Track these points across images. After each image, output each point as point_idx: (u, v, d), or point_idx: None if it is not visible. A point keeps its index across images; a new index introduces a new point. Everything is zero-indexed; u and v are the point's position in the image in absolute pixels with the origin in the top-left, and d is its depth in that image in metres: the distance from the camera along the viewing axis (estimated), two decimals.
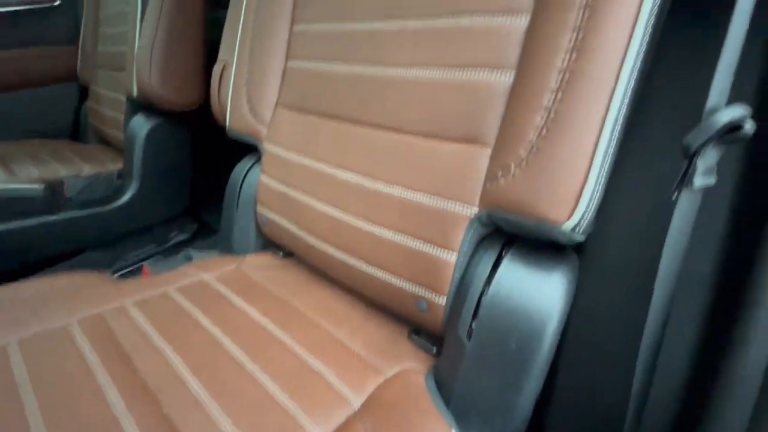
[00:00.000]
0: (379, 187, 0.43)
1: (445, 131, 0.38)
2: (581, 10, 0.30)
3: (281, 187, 0.56)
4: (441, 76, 0.39)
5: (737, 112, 0.26)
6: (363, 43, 0.47)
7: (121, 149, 1.09)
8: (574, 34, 0.30)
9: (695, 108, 0.29)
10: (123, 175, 1.03)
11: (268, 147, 0.59)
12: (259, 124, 0.60)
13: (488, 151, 0.36)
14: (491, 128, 0.36)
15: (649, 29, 0.28)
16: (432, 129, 0.39)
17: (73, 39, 1.38)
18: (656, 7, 0.28)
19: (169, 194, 1.09)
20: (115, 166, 1.06)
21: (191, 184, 1.13)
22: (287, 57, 0.58)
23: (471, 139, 0.37)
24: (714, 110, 0.28)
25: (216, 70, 0.67)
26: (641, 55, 0.29)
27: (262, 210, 0.60)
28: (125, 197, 1.00)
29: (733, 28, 0.28)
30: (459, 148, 0.37)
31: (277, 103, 0.59)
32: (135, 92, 0.96)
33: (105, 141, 1.23)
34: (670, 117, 0.31)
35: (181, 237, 1.13)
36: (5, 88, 1.28)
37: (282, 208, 0.56)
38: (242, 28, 0.63)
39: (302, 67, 0.55)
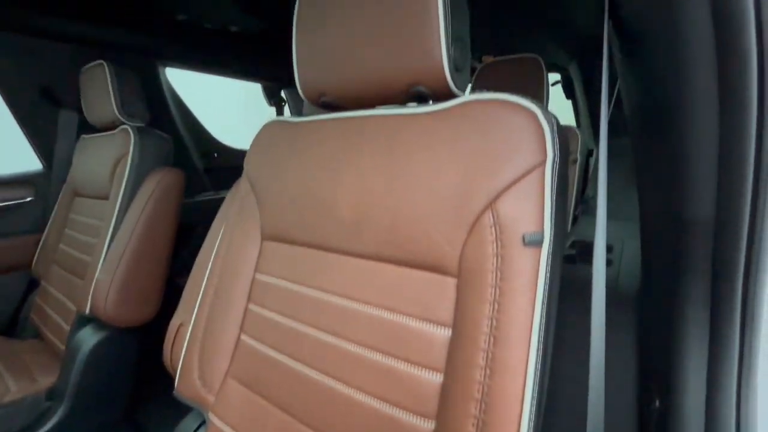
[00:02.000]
0: None
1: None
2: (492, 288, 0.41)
3: None
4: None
5: None
6: (308, 340, 0.53)
7: (57, 355, 1.04)
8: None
9: None
10: (53, 395, 0.96)
11: (214, 420, 0.59)
12: (208, 392, 0.62)
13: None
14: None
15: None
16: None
17: (34, 229, 1.41)
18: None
19: (103, 409, 1.01)
20: (45, 379, 0.99)
21: (130, 392, 1.06)
22: (242, 330, 0.63)
23: None
24: None
25: (172, 325, 0.71)
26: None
27: None
28: (51, 422, 0.92)
29: None
30: None
31: (227, 374, 0.62)
32: (87, 310, 0.97)
33: (42, 339, 1.17)
34: None
35: None
36: None
37: None
38: (203, 292, 0.69)
39: (254, 346, 0.60)
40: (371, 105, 0.56)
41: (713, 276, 0.39)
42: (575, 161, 1.23)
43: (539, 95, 1.22)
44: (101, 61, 1.12)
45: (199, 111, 1.91)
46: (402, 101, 0.54)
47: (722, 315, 0.37)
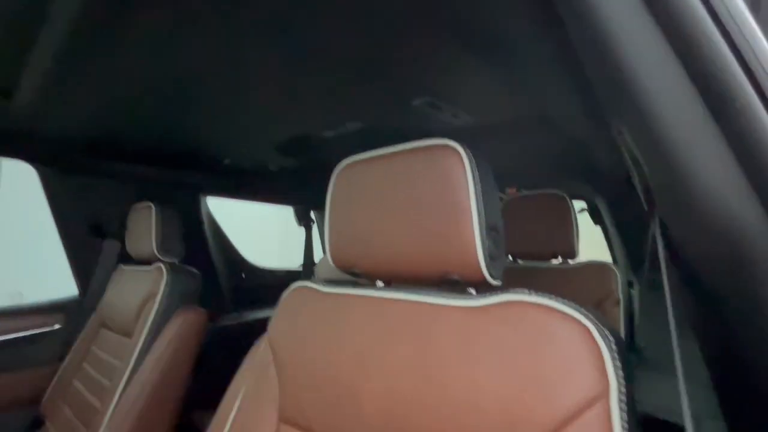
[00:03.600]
0: None
1: None
2: None
3: None
4: None
5: None
6: None
7: None
8: None
9: None
10: None
11: None
12: None
13: None
14: None
15: None
16: None
17: (53, 359, 1.38)
18: None
19: None
20: None
21: None
22: None
23: None
24: None
25: None
26: None
27: None
28: None
29: None
30: None
31: None
32: None
33: None
34: None
35: None
36: None
37: None
38: None
39: None
40: (404, 282, 0.55)
41: None
42: (617, 302, 1.14)
43: (566, 231, 1.20)
44: (150, 204, 1.21)
45: (238, 233, 2.00)
46: (436, 284, 0.52)
47: None
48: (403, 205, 0.51)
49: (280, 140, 1.22)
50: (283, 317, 0.66)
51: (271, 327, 0.67)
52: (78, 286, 1.51)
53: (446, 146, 0.48)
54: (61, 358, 1.35)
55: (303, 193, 2.14)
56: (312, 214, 2.21)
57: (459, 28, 0.63)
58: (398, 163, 0.52)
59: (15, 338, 1.35)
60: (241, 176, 1.73)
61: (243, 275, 2.00)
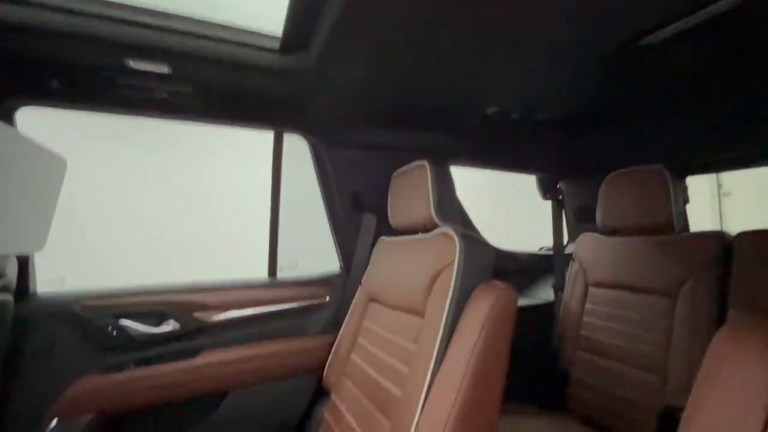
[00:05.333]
0: None
1: None
2: None
3: None
4: None
5: None
6: None
7: None
8: None
9: None
10: None
11: None
12: None
13: None
14: None
15: None
16: None
17: (326, 331, 1.41)
18: None
19: None
20: None
21: None
22: None
23: None
24: None
25: None
26: None
27: None
28: None
29: None
30: None
31: None
32: None
33: None
34: None
35: None
36: (246, 384, 1.28)
37: None
38: None
39: None
40: None
41: None
42: None
43: (666, 208, 1.22)
44: (423, 162, 1.05)
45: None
46: None
47: None
48: None
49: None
50: None
51: None
52: (340, 261, 1.53)
53: None
54: (333, 331, 1.36)
55: (547, 159, 1.77)
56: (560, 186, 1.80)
57: None
58: None
59: (295, 308, 1.42)
60: (485, 135, 1.49)
61: None
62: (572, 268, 1.56)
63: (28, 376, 1.07)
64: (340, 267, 1.53)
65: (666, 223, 1.22)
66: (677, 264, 1.22)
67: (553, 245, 1.74)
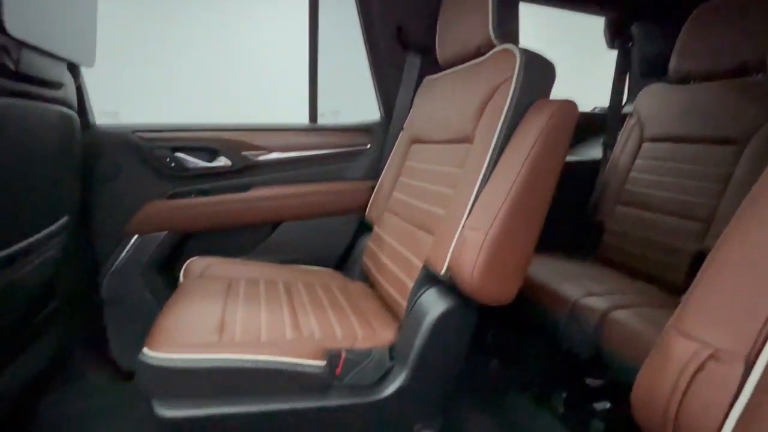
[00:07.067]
0: None
1: None
2: None
3: None
4: None
5: None
6: None
7: (391, 307, 0.95)
8: None
9: None
10: (396, 354, 0.85)
11: None
12: None
13: None
14: None
15: None
16: None
17: (369, 177, 1.44)
18: None
19: (440, 385, 0.86)
20: (383, 333, 0.90)
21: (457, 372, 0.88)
22: None
23: None
24: None
25: None
26: None
27: None
28: (394, 386, 0.80)
29: None
30: None
31: None
32: (443, 271, 0.79)
33: (371, 285, 1.15)
34: None
35: None
36: (293, 217, 1.38)
37: None
38: None
39: None
40: None
41: None
42: None
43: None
44: None
45: None
46: None
47: None
48: None
49: None
50: None
51: None
52: (380, 109, 1.49)
53: None
54: (374, 177, 1.39)
55: None
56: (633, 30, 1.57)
57: None
58: None
59: (336, 153, 1.44)
60: None
61: None
62: (628, 124, 1.46)
63: (104, 198, 1.20)
64: (381, 115, 1.50)
65: (760, 61, 1.07)
66: (756, 109, 1.11)
67: (611, 101, 1.60)
